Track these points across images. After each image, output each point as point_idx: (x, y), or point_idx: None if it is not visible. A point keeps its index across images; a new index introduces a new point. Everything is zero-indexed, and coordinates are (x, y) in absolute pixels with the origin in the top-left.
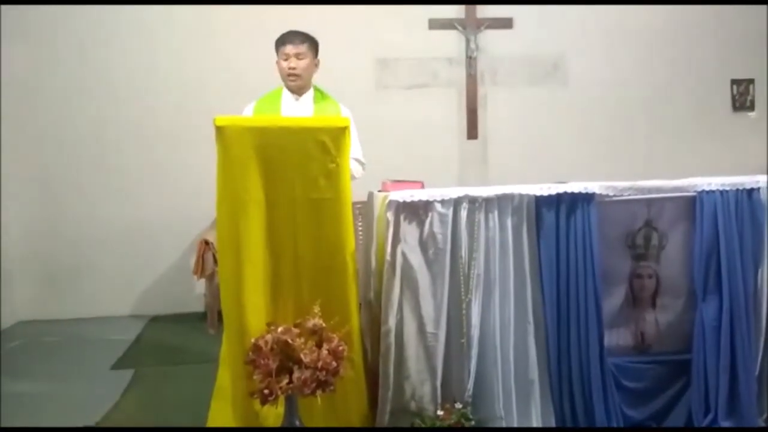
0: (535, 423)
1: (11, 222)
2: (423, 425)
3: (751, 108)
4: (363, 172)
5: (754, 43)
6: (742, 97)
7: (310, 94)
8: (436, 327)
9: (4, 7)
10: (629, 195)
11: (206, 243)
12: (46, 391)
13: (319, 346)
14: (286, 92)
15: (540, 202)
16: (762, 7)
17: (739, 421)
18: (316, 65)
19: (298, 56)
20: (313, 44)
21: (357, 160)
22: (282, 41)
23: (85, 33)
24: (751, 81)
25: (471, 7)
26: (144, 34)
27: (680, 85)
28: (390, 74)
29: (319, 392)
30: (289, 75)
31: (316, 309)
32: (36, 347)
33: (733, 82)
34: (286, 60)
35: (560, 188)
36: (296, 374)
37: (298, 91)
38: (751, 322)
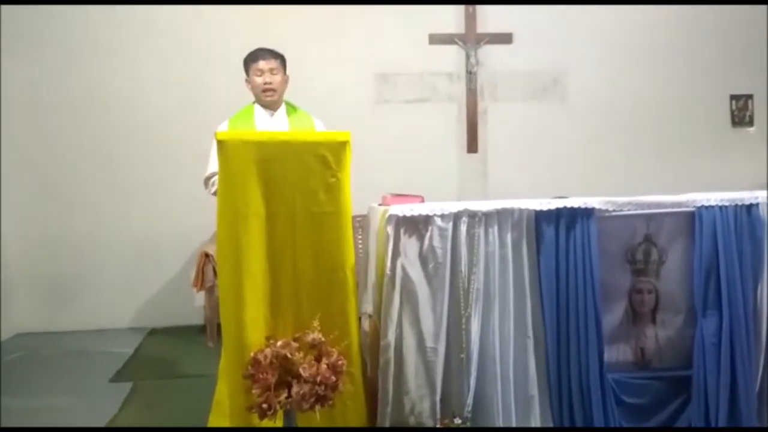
0: None
1: (11, 234)
2: None
3: (750, 123)
4: None
5: (753, 59)
6: (741, 113)
7: (282, 109)
8: (436, 341)
9: (4, 18)
10: (629, 210)
11: (206, 255)
12: (45, 403)
13: (318, 360)
14: (258, 108)
15: (540, 216)
16: (761, 23)
17: None
18: (286, 81)
19: (271, 71)
20: (283, 61)
21: None
22: (253, 58)
23: (86, 44)
24: (750, 96)
25: (471, 22)
26: (145, 47)
27: (679, 100)
28: (390, 88)
29: (317, 407)
30: (265, 90)
31: (316, 323)
32: (35, 360)
33: (732, 97)
34: (260, 76)
35: (560, 203)
36: (295, 389)
37: (271, 106)
38: (751, 339)
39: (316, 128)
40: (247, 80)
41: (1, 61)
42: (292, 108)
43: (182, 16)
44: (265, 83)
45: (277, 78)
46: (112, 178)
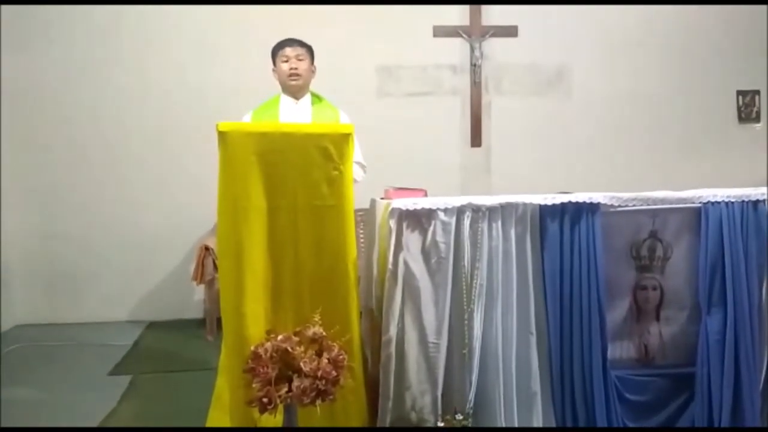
0: None
1: (11, 226)
2: None
3: (757, 119)
4: (364, 175)
5: (759, 55)
6: (747, 109)
7: (307, 98)
8: (438, 337)
9: (5, 14)
10: (634, 206)
11: (206, 248)
12: (43, 396)
13: (319, 354)
14: (284, 98)
15: (544, 211)
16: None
17: None
18: (313, 71)
19: (297, 57)
20: (309, 50)
21: (358, 164)
22: (280, 46)
23: (86, 40)
24: (756, 92)
25: (476, 14)
26: (145, 43)
27: (686, 96)
28: (393, 81)
29: (318, 402)
30: (291, 75)
31: (317, 317)
32: (33, 352)
33: (739, 93)
34: (286, 62)
35: (564, 198)
36: (296, 383)
37: (297, 92)
38: (756, 336)
39: (341, 121)
40: (273, 70)
41: (3, 58)
42: (317, 98)
43: (187, 13)
44: (291, 68)
45: (303, 64)
46: (113, 171)
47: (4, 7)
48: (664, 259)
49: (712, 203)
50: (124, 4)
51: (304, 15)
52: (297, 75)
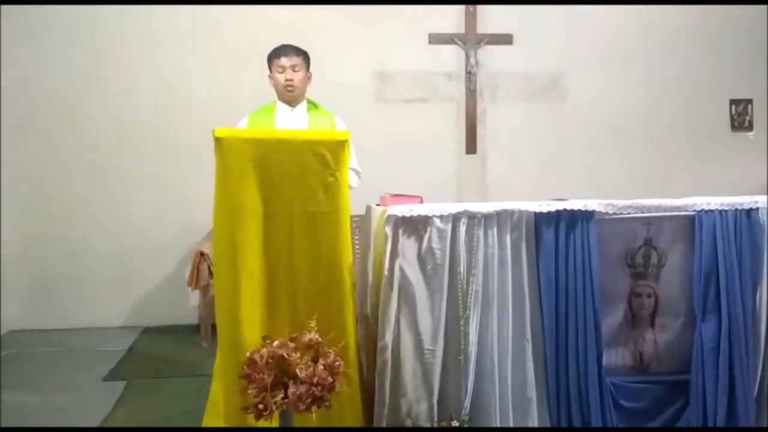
0: None
1: (4, 231)
2: None
3: (750, 128)
4: (359, 181)
5: (753, 64)
6: (740, 117)
7: (303, 106)
8: (434, 343)
9: (4, 9)
10: (629, 213)
11: (201, 254)
12: (37, 402)
13: (315, 361)
14: (280, 104)
15: (539, 219)
16: (761, 27)
17: None
18: (309, 78)
19: (293, 68)
20: (306, 58)
21: (353, 170)
22: (276, 54)
23: (85, 40)
24: (749, 101)
25: (471, 22)
26: (143, 45)
27: (679, 104)
28: (389, 88)
29: (314, 408)
30: (287, 87)
31: (313, 323)
32: (27, 357)
33: (732, 102)
34: (281, 72)
35: (560, 205)
36: (291, 389)
37: (292, 102)
38: (750, 343)
39: (337, 127)
40: (269, 77)
41: (3, 53)
42: (313, 105)
43: (183, 15)
44: (287, 80)
45: (298, 75)
46: (108, 176)
47: (4, 7)
48: (658, 266)
49: (706, 211)
50: (122, 4)
51: (301, 20)
52: (292, 86)
